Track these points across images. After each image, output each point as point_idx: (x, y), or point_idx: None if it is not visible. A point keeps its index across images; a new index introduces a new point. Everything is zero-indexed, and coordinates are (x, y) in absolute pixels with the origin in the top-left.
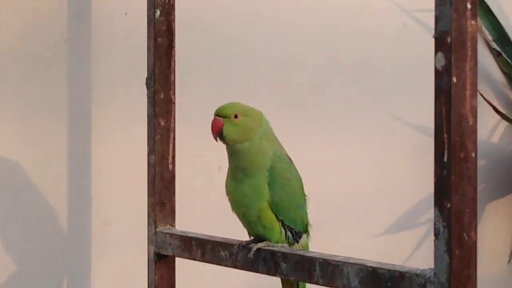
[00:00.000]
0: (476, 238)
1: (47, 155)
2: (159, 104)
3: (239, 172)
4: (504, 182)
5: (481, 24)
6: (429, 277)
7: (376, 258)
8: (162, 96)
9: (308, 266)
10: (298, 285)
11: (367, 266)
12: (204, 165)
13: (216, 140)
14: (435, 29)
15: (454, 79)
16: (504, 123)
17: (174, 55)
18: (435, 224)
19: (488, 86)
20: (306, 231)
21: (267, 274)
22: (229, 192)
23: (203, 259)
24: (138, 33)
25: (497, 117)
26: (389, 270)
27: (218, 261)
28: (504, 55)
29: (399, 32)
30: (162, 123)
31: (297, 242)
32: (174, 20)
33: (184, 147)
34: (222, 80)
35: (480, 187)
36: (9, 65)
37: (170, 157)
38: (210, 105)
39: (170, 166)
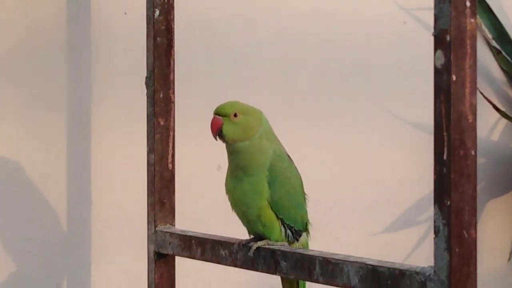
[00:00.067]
0: (476, 236)
1: (47, 154)
2: (159, 104)
3: (238, 171)
4: (504, 180)
5: (480, 22)
6: (429, 274)
7: (376, 256)
8: (161, 95)
9: (308, 264)
10: (298, 283)
11: (367, 264)
12: (203, 164)
13: (216, 139)
14: (435, 27)
15: (454, 77)
16: (504, 121)
17: (174, 55)
18: (435, 222)
19: (487, 84)
20: (306, 229)
21: (267, 272)
22: (228, 191)
23: (203, 258)
24: (137, 33)
25: (497, 115)
26: (389, 268)
27: (218, 260)
28: (503, 53)
29: (398, 31)
30: (162, 123)
31: (297, 240)
32: (173, 19)
33: (183, 146)
34: (222, 79)
35: (480, 185)
36: (8, 64)
37: (170, 156)
38: (210, 104)
39: (170, 165)
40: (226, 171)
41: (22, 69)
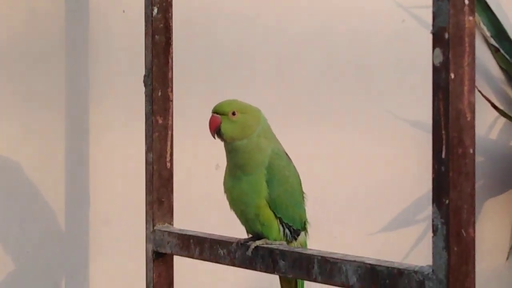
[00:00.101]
0: (474, 235)
1: (45, 153)
2: (157, 102)
3: (237, 169)
4: (502, 179)
5: (479, 20)
6: (428, 273)
7: (374, 255)
8: (159, 94)
9: (307, 263)
10: (296, 282)
11: (365, 263)
12: (202, 163)
13: (214, 137)
14: (433, 25)
15: (452, 75)
16: (502, 120)
17: (172, 53)
18: (433, 220)
19: (486, 82)
20: (304, 228)
21: (265, 271)
22: (227, 190)
23: (201, 257)
24: (135, 31)
25: (495, 113)
26: (388, 267)
27: (216, 259)
28: (502, 51)
29: (397, 29)
30: (160, 121)
31: (295, 239)
32: (171, 17)
33: (182, 145)
34: (220, 77)
35: (478, 184)
36: (6, 63)
37: (168, 155)
38: (208, 102)
39: (168, 164)
40: (224, 169)
41: (20, 67)
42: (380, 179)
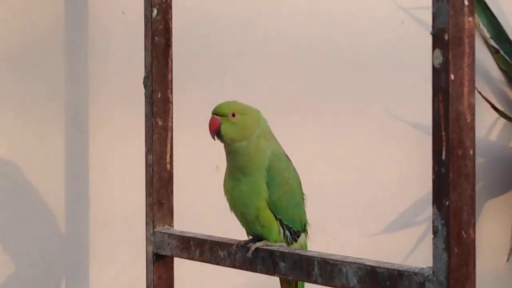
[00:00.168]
0: (474, 236)
1: (45, 155)
2: (157, 104)
3: (237, 171)
4: (502, 180)
5: (478, 21)
6: (428, 275)
7: (374, 257)
8: (159, 95)
9: (307, 265)
10: (296, 284)
11: (365, 265)
12: (202, 164)
13: (214, 139)
14: (433, 26)
15: (452, 76)
16: (502, 121)
17: (172, 54)
18: (433, 222)
19: (486, 83)
20: (304, 230)
21: (265, 273)
22: (227, 191)
23: (202, 259)
24: (135, 32)
25: (495, 114)
26: (388, 269)
27: (216, 261)
28: (502, 52)
29: (397, 30)
30: (160, 123)
31: (296, 241)
32: (171, 19)
33: (181, 147)
34: (220, 79)
35: (478, 185)
36: (6, 65)
37: (168, 157)
38: (208, 104)
39: (168, 166)
40: (224, 171)
41: (19, 69)
42: (380, 180)
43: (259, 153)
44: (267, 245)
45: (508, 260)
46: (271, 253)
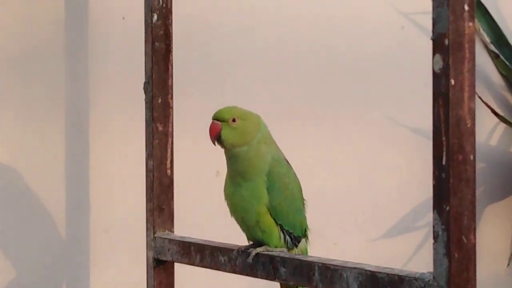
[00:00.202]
0: (475, 241)
1: (45, 160)
2: (157, 109)
3: (237, 176)
4: (503, 185)
5: (478, 26)
6: (428, 280)
7: (375, 262)
8: (160, 101)
9: (307, 270)
10: None
11: (366, 270)
12: (202, 170)
13: (214, 144)
14: (433, 31)
15: (452, 81)
16: (503, 126)
17: (172, 60)
18: (434, 227)
19: (486, 88)
20: (305, 235)
21: (266, 279)
22: (227, 197)
23: (202, 264)
24: (135, 38)
25: (496, 119)
26: (388, 274)
27: (217, 266)
28: (502, 57)
29: (397, 35)
30: (160, 128)
31: (296, 246)
32: (171, 24)
33: (182, 152)
34: (220, 84)
35: (479, 190)
36: (6, 69)
37: (168, 162)
38: (208, 109)
39: (169, 171)
40: (224, 176)
41: (20, 74)
42: (380, 185)
43: (259, 158)
44: (267, 251)
45: (508, 265)
46: (272, 258)
